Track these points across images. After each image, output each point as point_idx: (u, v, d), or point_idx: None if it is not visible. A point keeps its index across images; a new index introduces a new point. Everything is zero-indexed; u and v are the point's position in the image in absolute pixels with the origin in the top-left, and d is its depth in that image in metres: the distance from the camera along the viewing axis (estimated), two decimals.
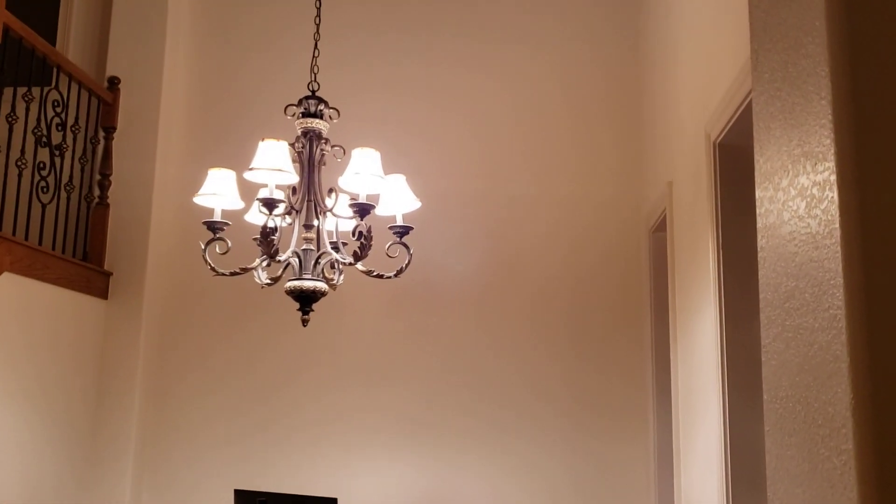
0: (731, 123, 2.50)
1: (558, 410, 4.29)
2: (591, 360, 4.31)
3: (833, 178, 0.93)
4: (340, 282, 2.91)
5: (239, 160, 3.18)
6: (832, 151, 0.93)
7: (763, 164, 1.19)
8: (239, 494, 3.39)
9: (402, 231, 2.81)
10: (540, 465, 4.29)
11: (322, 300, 2.86)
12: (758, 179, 1.20)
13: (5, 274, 3.35)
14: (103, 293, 4.19)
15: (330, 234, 2.85)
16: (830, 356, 0.94)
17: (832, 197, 0.93)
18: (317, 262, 2.80)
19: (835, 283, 0.93)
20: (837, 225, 0.92)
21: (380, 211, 2.85)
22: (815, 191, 0.98)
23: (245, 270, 2.82)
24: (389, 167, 2.90)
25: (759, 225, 1.19)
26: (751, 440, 2.51)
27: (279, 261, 2.73)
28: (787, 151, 1.08)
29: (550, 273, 4.38)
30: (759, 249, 1.19)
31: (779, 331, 1.11)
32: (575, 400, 4.29)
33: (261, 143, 2.69)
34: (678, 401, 3.24)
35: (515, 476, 4.31)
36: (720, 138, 2.62)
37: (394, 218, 2.84)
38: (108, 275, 4.21)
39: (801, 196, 1.02)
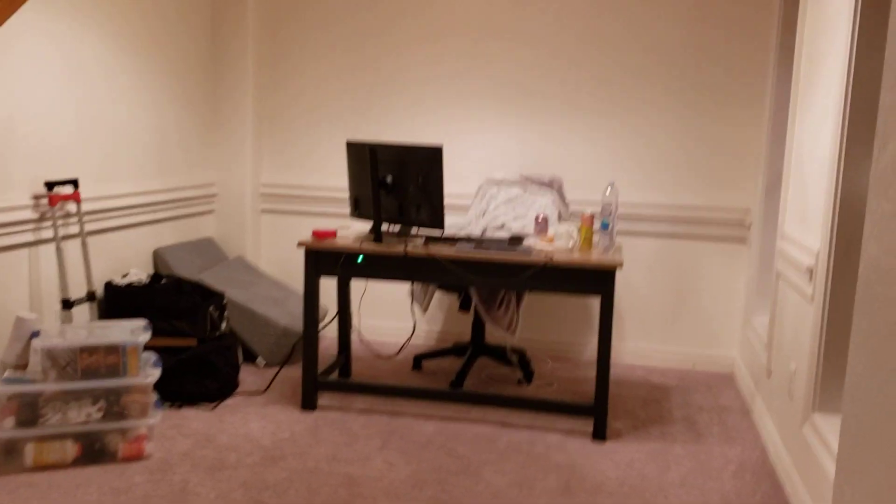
0: None
1: (673, 85, 4.40)
2: (715, 21, 4.33)
3: None
4: None
5: None
6: None
7: None
8: (351, 145, 3.63)
9: None
10: (652, 135, 4.45)
11: None
12: None
13: None
14: None
15: None
16: None
17: None
18: None
19: None
20: None
21: None
22: None
23: None
24: None
25: None
26: (875, 92, 2.52)
27: None
28: None
29: None
30: None
31: None
32: (693, 67, 4.38)
33: None
34: (801, 59, 3.35)
35: (621, 150, 4.49)
36: None
37: None
38: None
39: None
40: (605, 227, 3.51)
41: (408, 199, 3.52)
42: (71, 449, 2.96)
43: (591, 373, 4.36)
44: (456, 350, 4.35)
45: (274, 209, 4.95)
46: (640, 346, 4.63)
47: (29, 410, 2.94)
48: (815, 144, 2.99)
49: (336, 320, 4.84)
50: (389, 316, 4.89)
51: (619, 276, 4.60)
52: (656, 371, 4.47)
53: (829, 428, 2.56)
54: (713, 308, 4.52)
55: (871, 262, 1.12)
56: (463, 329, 4.81)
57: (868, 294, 1.12)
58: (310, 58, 4.79)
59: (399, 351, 4.44)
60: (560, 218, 4.18)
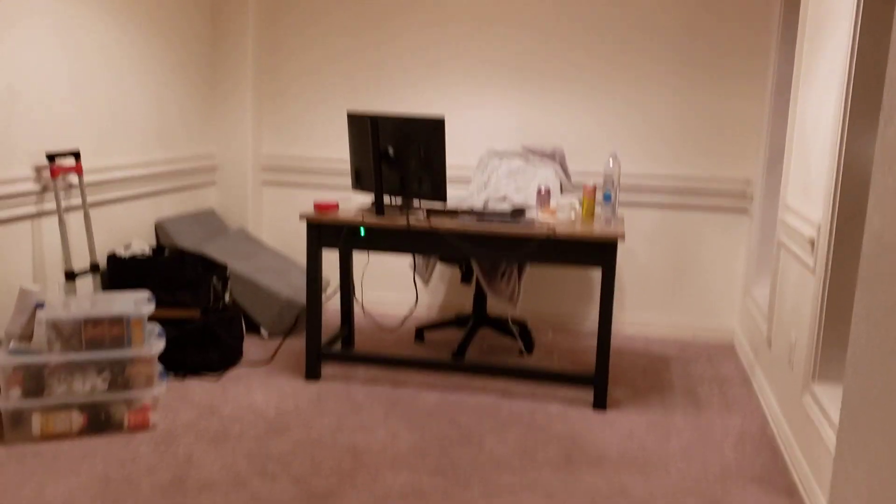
0: None
1: (674, 56, 4.39)
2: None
3: None
4: None
5: None
6: None
7: None
8: (352, 117, 3.62)
9: None
10: (653, 106, 4.46)
11: None
12: None
13: None
14: None
15: None
16: None
17: None
18: None
19: None
20: None
21: None
22: None
23: None
24: None
25: None
26: (879, 65, 2.53)
27: None
28: None
29: None
30: None
31: None
32: (693, 41, 4.36)
33: None
34: (804, 31, 3.32)
35: (623, 122, 4.49)
36: None
37: None
38: None
39: None
40: (607, 198, 3.51)
41: (409, 171, 3.51)
42: (77, 419, 2.99)
43: (592, 343, 4.38)
44: (458, 321, 4.37)
45: (275, 181, 4.95)
46: (640, 317, 4.65)
47: (34, 381, 2.96)
48: (818, 116, 2.98)
49: (338, 292, 4.86)
50: (392, 288, 4.90)
51: (621, 248, 4.60)
52: (656, 341, 4.49)
53: (828, 398, 2.58)
54: (714, 279, 4.53)
55: (874, 235, 1.12)
56: (465, 301, 4.83)
57: (871, 268, 1.12)
58: (311, 30, 4.75)
59: (402, 322, 4.46)
60: (562, 190, 4.17)
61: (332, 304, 4.95)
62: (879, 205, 1.10)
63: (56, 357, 2.96)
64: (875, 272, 1.10)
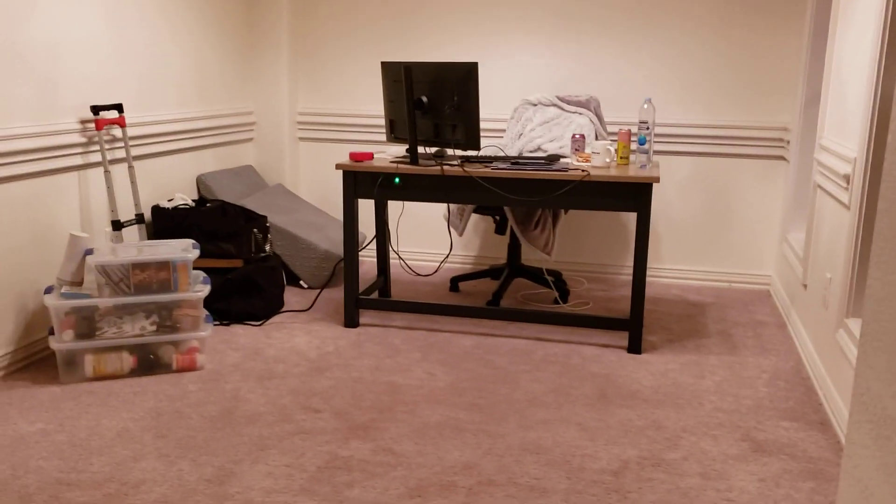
0: None
1: (710, 1, 4.36)
2: None
3: None
4: None
5: None
6: None
7: None
8: (386, 66, 3.69)
9: None
10: (688, 52, 4.44)
11: None
12: None
13: None
14: None
15: None
16: None
17: None
18: None
19: None
20: None
21: None
22: None
23: None
24: None
25: None
26: None
27: None
28: None
29: None
30: None
31: None
32: None
33: None
34: None
35: (659, 70, 4.49)
36: None
37: None
38: None
39: None
40: (642, 142, 3.51)
41: (443, 119, 3.55)
42: (127, 360, 3.12)
43: (627, 293, 4.41)
44: (492, 272, 4.43)
45: (311, 137, 5.02)
46: (676, 266, 4.65)
47: (86, 324, 3.09)
48: (855, 52, 2.95)
49: (374, 243, 4.94)
50: (426, 242, 4.97)
51: (656, 196, 4.60)
52: (692, 290, 4.50)
53: None
54: (750, 227, 4.52)
55: (892, 146, 1.15)
56: (499, 254, 4.87)
57: (892, 174, 1.15)
58: None
59: (436, 269, 4.53)
60: (597, 138, 4.18)
61: (367, 257, 5.03)
62: None
63: (106, 300, 3.08)
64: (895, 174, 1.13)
